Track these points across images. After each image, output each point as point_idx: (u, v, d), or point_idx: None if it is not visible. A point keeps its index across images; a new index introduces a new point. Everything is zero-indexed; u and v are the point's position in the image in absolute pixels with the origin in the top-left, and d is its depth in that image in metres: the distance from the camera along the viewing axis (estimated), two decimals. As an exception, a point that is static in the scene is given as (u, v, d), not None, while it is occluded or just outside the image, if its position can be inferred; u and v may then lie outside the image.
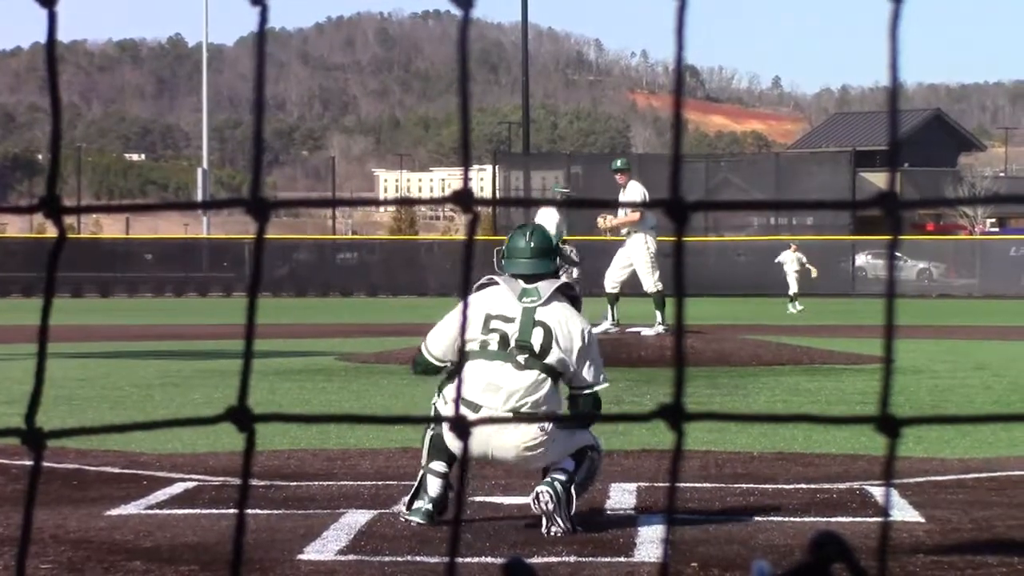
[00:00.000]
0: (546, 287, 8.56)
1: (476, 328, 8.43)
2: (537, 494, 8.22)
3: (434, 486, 8.47)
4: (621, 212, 22.65)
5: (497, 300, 8.49)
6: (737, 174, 78.78)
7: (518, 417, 8.33)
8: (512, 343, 8.37)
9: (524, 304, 8.46)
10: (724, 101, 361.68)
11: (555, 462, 8.40)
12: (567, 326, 8.49)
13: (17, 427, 1.79)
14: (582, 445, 8.46)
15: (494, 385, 8.31)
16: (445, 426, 8.47)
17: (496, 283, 8.58)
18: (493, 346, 8.38)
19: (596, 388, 8.53)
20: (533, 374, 8.36)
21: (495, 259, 8.85)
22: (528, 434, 8.31)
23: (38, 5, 1.71)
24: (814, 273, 46.49)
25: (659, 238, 22.87)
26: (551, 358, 8.38)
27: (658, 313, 22.30)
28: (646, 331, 22.31)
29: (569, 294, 8.74)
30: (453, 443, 8.32)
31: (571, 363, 8.42)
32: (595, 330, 8.79)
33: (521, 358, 8.35)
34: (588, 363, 8.49)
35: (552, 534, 8.15)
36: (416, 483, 8.59)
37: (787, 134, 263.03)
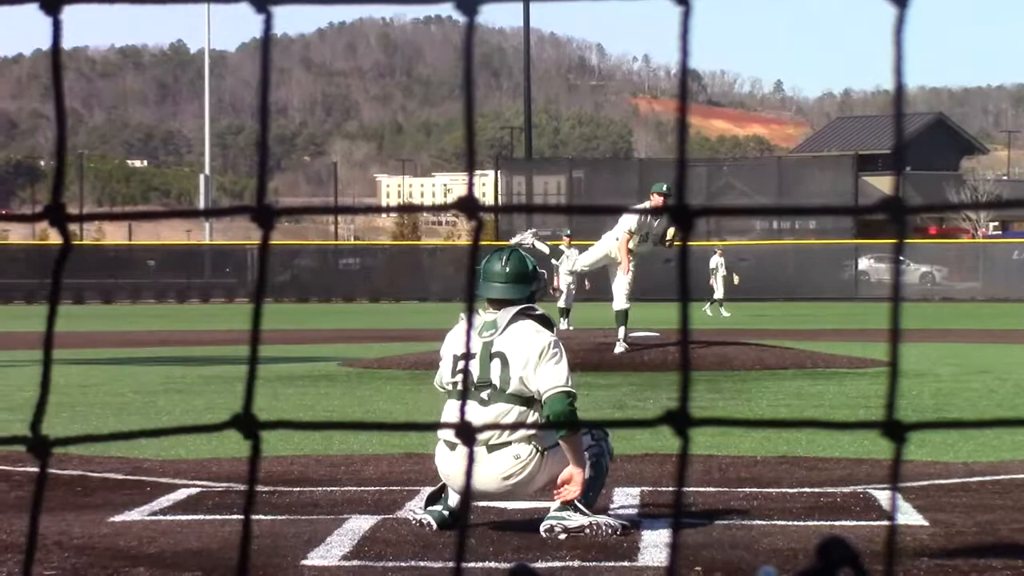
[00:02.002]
0: (504, 315, 8.51)
1: (448, 371, 8.57)
2: (545, 531, 8.33)
3: (455, 498, 8.57)
4: (625, 221, 21.75)
5: (461, 339, 8.53)
6: (739, 178, 78.82)
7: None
8: (474, 381, 8.41)
9: (483, 339, 8.45)
10: (726, 105, 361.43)
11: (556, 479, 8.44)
12: (523, 346, 8.40)
13: (24, 435, 1.78)
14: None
15: None
16: (436, 454, 8.62)
17: (461, 320, 8.63)
18: (460, 387, 8.47)
19: (552, 391, 8.29)
20: (496, 408, 8.37)
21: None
22: (503, 465, 8.38)
23: (43, 13, 1.71)
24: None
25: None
26: (511, 387, 8.36)
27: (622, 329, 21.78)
28: (619, 348, 21.79)
29: (534, 314, 8.62)
30: (442, 470, 8.53)
31: (531, 379, 8.36)
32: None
33: (484, 394, 8.39)
34: (546, 372, 8.34)
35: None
36: (438, 488, 8.69)
37: (789, 138, 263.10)
